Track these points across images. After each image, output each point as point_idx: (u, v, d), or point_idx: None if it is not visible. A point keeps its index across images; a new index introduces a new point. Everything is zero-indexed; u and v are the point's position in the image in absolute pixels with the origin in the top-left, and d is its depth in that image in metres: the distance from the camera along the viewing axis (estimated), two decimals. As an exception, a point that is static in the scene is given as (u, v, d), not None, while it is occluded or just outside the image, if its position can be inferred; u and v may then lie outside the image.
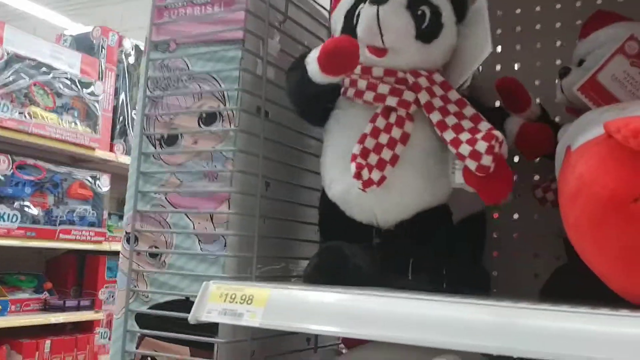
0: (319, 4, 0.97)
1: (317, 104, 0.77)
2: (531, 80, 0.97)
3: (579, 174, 0.57)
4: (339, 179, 0.74)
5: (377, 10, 0.71)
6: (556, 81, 0.84)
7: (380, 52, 0.73)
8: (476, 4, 0.79)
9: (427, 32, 0.74)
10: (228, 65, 0.80)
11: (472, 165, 0.65)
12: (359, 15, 0.74)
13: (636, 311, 0.47)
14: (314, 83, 0.72)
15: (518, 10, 1.00)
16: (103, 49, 2.56)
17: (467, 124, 0.69)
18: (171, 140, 0.83)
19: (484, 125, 0.68)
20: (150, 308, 0.81)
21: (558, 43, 0.96)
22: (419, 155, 0.72)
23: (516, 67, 0.99)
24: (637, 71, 0.76)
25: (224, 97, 0.80)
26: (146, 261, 0.81)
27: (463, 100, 0.72)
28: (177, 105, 0.83)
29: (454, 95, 0.72)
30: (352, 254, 0.71)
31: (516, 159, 0.97)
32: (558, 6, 0.97)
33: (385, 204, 0.73)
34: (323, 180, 0.78)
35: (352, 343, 0.81)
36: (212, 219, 0.78)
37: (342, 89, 0.76)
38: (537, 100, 0.93)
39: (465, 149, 0.66)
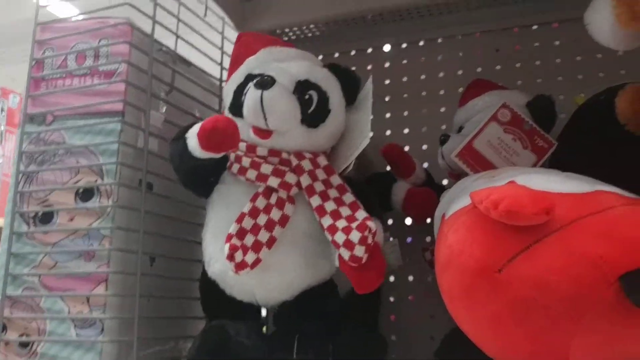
0: (209, 74, 0.96)
1: (199, 177, 0.76)
2: (419, 145, 0.99)
3: (449, 243, 0.58)
4: (217, 257, 0.72)
5: (261, 95, 0.70)
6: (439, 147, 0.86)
7: (264, 133, 0.73)
8: (362, 90, 0.81)
9: (313, 117, 0.74)
10: (107, 138, 0.77)
11: (345, 254, 0.65)
12: (246, 94, 0.74)
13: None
14: (195, 157, 0.70)
15: (405, 79, 1.03)
16: (3, 111, 2.46)
17: (345, 211, 0.69)
18: (46, 218, 0.78)
19: (361, 214, 0.68)
20: (23, 401, 0.74)
21: (443, 109, 1.00)
22: (300, 236, 0.71)
23: (405, 131, 1.02)
24: (511, 137, 0.79)
25: (101, 171, 0.77)
26: (16, 352, 0.75)
27: (344, 186, 0.72)
28: (53, 180, 0.79)
29: (335, 180, 0.73)
30: (236, 332, 0.69)
31: (408, 221, 0.98)
32: (441, 74, 1.01)
33: (264, 285, 0.71)
34: (203, 256, 0.76)
35: None
36: (88, 301, 0.74)
37: (229, 163, 0.74)
38: (426, 164, 0.95)
39: (340, 238, 0.65)
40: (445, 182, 0.94)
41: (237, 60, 0.82)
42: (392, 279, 0.97)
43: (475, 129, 0.79)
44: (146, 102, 0.80)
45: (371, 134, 0.72)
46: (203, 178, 0.76)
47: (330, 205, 0.69)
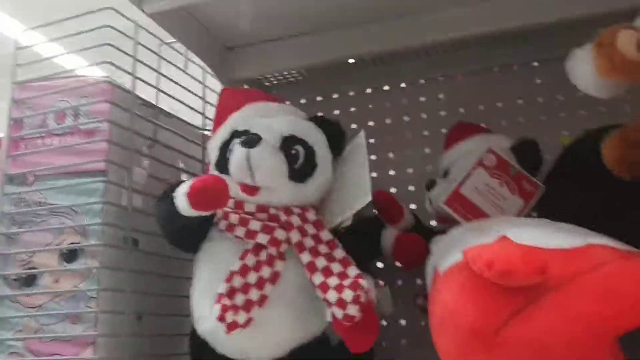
0: (191, 125, 0.96)
1: (187, 236, 0.75)
2: (405, 187, 0.99)
3: (443, 302, 0.58)
4: (207, 315, 0.71)
5: (248, 152, 0.70)
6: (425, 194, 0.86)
7: (252, 190, 0.73)
8: (353, 143, 0.80)
9: (300, 172, 0.74)
10: (90, 197, 0.76)
11: (338, 313, 0.64)
12: (232, 150, 0.74)
13: None
14: (182, 215, 0.69)
15: (388, 120, 1.03)
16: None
17: (336, 267, 0.68)
18: (30, 280, 0.76)
19: (352, 271, 0.68)
20: None
21: (427, 150, 1.00)
22: (290, 292, 0.70)
23: (391, 173, 1.02)
24: (497, 182, 0.79)
25: (85, 231, 0.76)
26: (1, 421, 0.73)
27: (334, 242, 0.71)
28: (36, 242, 0.77)
29: (325, 235, 0.72)
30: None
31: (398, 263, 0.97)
32: (424, 116, 1.01)
33: (255, 343, 0.69)
34: (192, 314, 0.75)
35: None
36: (76, 366, 0.72)
37: (215, 219, 0.73)
38: (413, 206, 0.95)
39: (332, 296, 0.65)
40: (433, 222, 0.94)
41: (221, 115, 0.82)
42: (384, 322, 0.96)
43: (461, 176, 0.79)
44: (128, 159, 0.79)
45: (369, 197, 0.72)
46: (191, 236, 0.75)
47: (320, 262, 0.68)
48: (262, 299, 0.67)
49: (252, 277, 0.68)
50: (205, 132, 0.97)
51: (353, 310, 0.63)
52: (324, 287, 0.66)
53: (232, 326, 0.65)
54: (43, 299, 0.75)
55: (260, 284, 0.68)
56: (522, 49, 0.97)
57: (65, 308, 0.74)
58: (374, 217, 0.90)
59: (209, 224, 0.74)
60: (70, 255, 0.76)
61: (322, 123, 0.79)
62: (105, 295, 0.74)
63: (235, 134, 0.75)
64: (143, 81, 0.84)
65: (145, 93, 0.86)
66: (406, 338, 0.95)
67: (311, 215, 0.73)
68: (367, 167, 0.74)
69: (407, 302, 0.93)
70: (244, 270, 0.68)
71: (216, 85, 1.00)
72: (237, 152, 0.71)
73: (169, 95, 0.89)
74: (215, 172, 0.75)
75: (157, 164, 0.86)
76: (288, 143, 0.73)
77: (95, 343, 0.72)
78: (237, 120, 0.78)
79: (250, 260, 0.69)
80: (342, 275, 0.67)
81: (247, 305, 0.66)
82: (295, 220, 0.72)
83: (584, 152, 0.75)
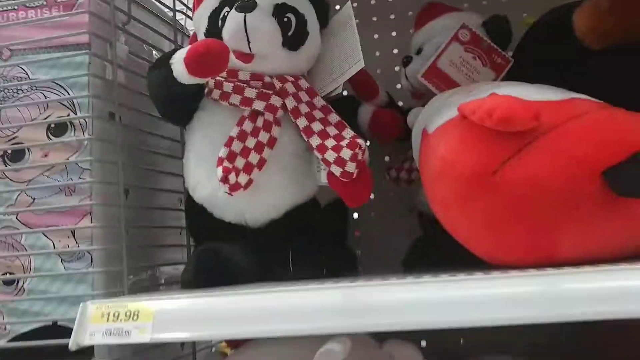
0: (162, 3, 0.94)
1: (181, 104, 0.76)
2: (373, 70, 1.02)
3: (440, 155, 0.62)
4: (204, 181, 0.74)
5: (245, 18, 0.70)
6: (399, 69, 0.90)
7: (247, 57, 0.73)
8: (340, 15, 0.81)
9: (293, 39, 0.75)
10: (75, 71, 0.75)
11: (336, 171, 0.68)
12: (224, 19, 0.74)
13: (489, 273, 0.53)
14: (178, 83, 0.70)
15: (355, 4, 1.05)
16: None
17: (332, 130, 0.72)
18: (17, 156, 0.76)
19: (348, 133, 0.72)
20: (10, 341, 0.74)
21: (394, 33, 1.03)
22: (286, 157, 0.74)
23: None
24: (471, 56, 0.84)
25: (73, 105, 0.75)
26: (0, 290, 0.74)
27: (328, 107, 0.75)
28: (20, 117, 0.76)
29: (319, 101, 0.75)
30: (230, 253, 0.71)
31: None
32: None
33: (253, 205, 0.73)
34: (187, 183, 0.77)
35: (236, 342, 0.81)
36: (74, 235, 0.74)
37: (207, 90, 0.75)
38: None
39: (330, 156, 0.68)
40: (400, 103, 0.99)
41: None
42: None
43: (437, 50, 0.83)
44: (111, 33, 0.78)
45: (362, 63, 0.74)
46: (185, 105, 0.76)
47: (317, 126, 0.72)
48: (261, 162, 0.71)
49: (250, 142, 0.71)
50: (177, 12, 0.96)
51: (351, 167, 0.68)
52: (322, 148, 0.70)
53: (234, 187, 0.68)
54: (33, 173, 0.75)
55: (258, 148, 0.71)
56: None
57: (61, 181, 0.74)
58: (350, 95, 0.93)
59: (200, 94, 0.75)
60: (58, 129, 0.75)
61: None
62: (98, 167, 0.75)
63: (225, 2, 0.75)
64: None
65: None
66: (376, 210, 1.02)
67: (304, 83, 0.75)
68: (356, 35, 0.76)
69: (375, 179, 0.99)
70: (242, 135, 0.71)
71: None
72: (233, 18, 0.71)
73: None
74: None
75: (134, 41, 0.85)
76: (280, 10, 0.74)
77: (91, 213, 0.74)
78: None
79: (248, 125, 0.72)
80: (339, 137, 0.70)
81: (248, 168, 0.70)
82: (290, 87, 0.74)
83: (554, 23, 0.80)
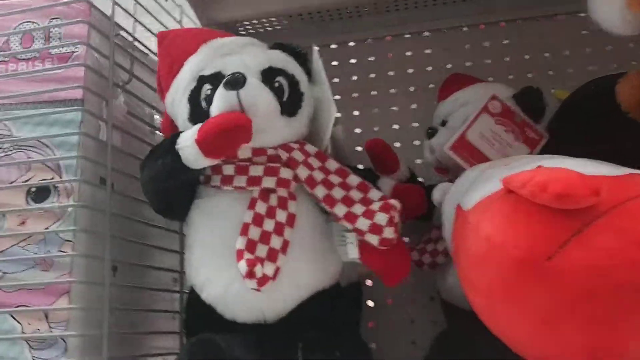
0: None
1: (185, 194, 0.67)
2: (390, 142, 0.95)
3: (485, 235, 0.53)
4: (214, 279, 0.64)
5: (238, 95, 0.61)
6: (423, 141, 0.83)
7: None
8: (313, 64, 0.73)
9: (290, 105, 0.66)
10: (64, 129, 0.67)
11: (373, 240, 0.59)
12: (207, 98, 0.65)
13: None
14: (187, 170, 0.61)
15: (372, 75, 0.99)
16: None
17: (356, 194, 0.63)
18: (-11, 222, 0.66)
19: (375, 194, 0.63)
20: None
21: (414, 106, 0.96)
22: (305, 235, 0.64)
23: (375, 129, 0.97)
24: (503, 129, 0.76)
25: (59, 167, 0.67)
26: (-44, 382, 0.63)
27: (343, 169, 0.66)
28: (-3, 179, 0.67)
29: (332, 164, 0.66)
30: (229, 347, 0.60)
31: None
32: (410, 71, 0.98)
33: (274, 298, 0.63)
34: (191, 281, 0.67)
35: None
36: (47, 317, 0.63)
37: (202, 178, 0.66)
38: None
39: (363, 224, 0.59)
40: (420, 179, 0.91)
41: (172, 64, 0.70)
42: (369, 282, 0.92)
43: (466, 121, 0.76)
44: (108, 90, 0.70)
45: (335, 109, 0.65)
46: (185, 195, 0.67)
47: (338, 193, 0.63)
48: (285, 245, 0.61)
49: (268, 225, 0.61)
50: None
51: (390, 233, 0.58)
52: (350, 216, 0.60)
53: (262, 281, 0.58)
54: (7, 243, 0.65)
55: (278, 229, 0.61)
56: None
57: (34, 253, 0.65)
58: (367, 168, 0.85)
59: (196, 182, 0.67)
60: (39, 194, 0.66)
61: (288, 49, 0.71)
62: (82, 239, 0.65)
63: (203, 80, 0.66)
64: (122, 8, 0.75)
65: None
66: (393, 297, 0.91)
67: (310, 148, 0.67)
68: (326, 83, 0.67)
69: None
70: (257, 219, 0.62)
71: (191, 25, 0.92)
72: (223, 97, 0.62)
73: (146, 28, 0.80)
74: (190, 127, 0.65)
75: (133, 102, 0.77)
76: (268, 76, 0.66)
77: (70, 292, 0.63)
78: (198, 64, 0.67)
79: (261, 207, 0.62)
80: (366, 201, 0.61)
81: (272, 255, 0.60)
82: (298, 155, 0.65)
83: (595, 96, 0.73)
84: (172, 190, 0.65)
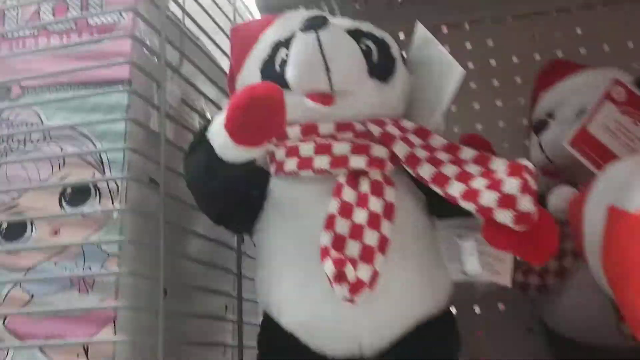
0: (218, 45, 0.73)
1: (241, 194, 0.54)
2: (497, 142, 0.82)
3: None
4: (297, 297, 0.50)
5: (318, 37, 0.49)
6: (531, 139, 0.70)
7: (327, 98, 0.51)
8: (416, 38, 0.61)
9: (380, 67, 0.53)
10: (108, 115, 0.53)
11: (506, 217, 0.43)
12: (283, 63, 0.53)
13: None
14: (225, 165, 0.49)
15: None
16: None
17: (472, 168, 0.48)
18: (15, 231, 0.53)
19: (499, 163, 0.48)
20: None
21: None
22: (408, 236, 0.50)
23: (478, 127, 0.85)
24: (630, 120, 0.63)
25: (101, 162, 0.53)
26: None
27: (453, 144, 0.51)
28: (24, 177, 0.54)
29: (438, 140, 0.52)
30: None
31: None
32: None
33: (377, 319, 0.49)
34: (266, 304, 0.53)
35: None
36: (86, 353, 0.49)
37: (274, 168, 0.53)
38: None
39: (489, 198, 0.44)
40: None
41: (242, 50, 0.59)
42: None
43: (587, 112, 0.63)
44: (160, 71, 0.57)
45: (460, 70, 0.52)
46: (242, 197, 0.54)
47: (449, 169, 0.48)
48: (383, 243, 0.47)
49: (359, 216, 0.47)
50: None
51: (527, 203, 0.43)
52: (471, 194, 0.45)
53: (356, 287, 0.43)
54: (36, 258, 0.52)
55: (374, 222, 0.47)
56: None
57: (69, 271, 0.51)
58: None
59: (265, 178, 0.54)
60: (76, 196, 0.53)
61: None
62: (131, 253, 0.51)
63: (279, 45, 0.54)
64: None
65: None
66: (482, 327, 0.77)
67: (408, 123, 0.53)
68: (443, 48, 0.55)
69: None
70: (345, 209, 0.48)
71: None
72: (301, 41, 0.50)
73: (199, 4, 0.68)
74: None
75: (187, 88, 0.64)
76: (355, 36, 0.53)
77: (116, 319, 0.49)
78: (275, 33, 0.56)
79: (349, 194, 0.49)
80: (487, 173, 0.47)
81: (367, 254, 0.45)
82: (393, 130, 0.51)
83: None
84: (219, 192, 0.53)
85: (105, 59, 0.55)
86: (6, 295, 0.51)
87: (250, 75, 0.56)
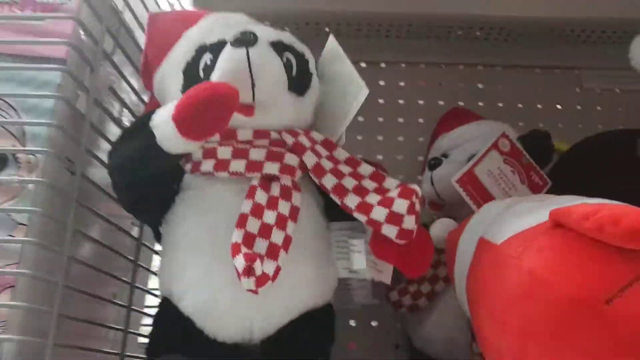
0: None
1: (163, 187, 0.57)
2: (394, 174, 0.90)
3: (528, 269, 0.48)
4: (200, 283, 0.54)
5: (248, 54, 0.54)
6: (424, 174, 0.78)
7: (248, 109, 0.55)
8: (326, 52, 0.65)
9: (298, 81, 0.58)
10: (39, 90, 0.56)
11: (391, 232, 0.51)
12: (207, 68, 0.56)
13: None
14: (163, 155, 0.52)
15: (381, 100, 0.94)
16: None
17: (369, 184, 0.55)
18: None
19: (391, 182, 0.56)
20: None
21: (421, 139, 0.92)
22: (308, 235, 0.56)
23: (379, 158, 0.93)
24: (510, 169, 0.73)
25: (23, 134, 0.55)
26: None
27: (353, 158, 0.58)
28: (-59, 138, 0.55)
29: (341, 154, 0.58)
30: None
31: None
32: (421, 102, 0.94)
33: (269, 307, 0.53)
34: (168, 289, 0.56)
35: None
36: (-19, 315, 0.50)
37: (190, 165, 0.57)
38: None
39: (379, 213, 0.51)
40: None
41: (164, 40, 0.62)
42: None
43: (475, 156, 0.72)
44: (96, 56, 0.60)
45: (364, 87, 0.57)
46: (164, 188, 0.57)
47: (348, 182, 0.55)
48: (287, 242, 0.52)
49: (269, 217, 0.52)
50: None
51: (410, 222, 0.51)
52: (364, 207, 0.53)
53: (261, 280, 0.48)
54: (-58, 218, 0.53)
55: (280, 223, 0.52)
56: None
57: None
58: (375, 163, 0.78)
59: (179, 173, 0.58)
60: (-6, 164, 0.54)
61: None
62: (38, 224, 0.53)
63: (203, 49, 0.57)
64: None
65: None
66: (355, 339, 0.84)
67: (317, 135, 0.59)
68: (351, 65, 0.60)
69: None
70: (257, 210, 0.53)
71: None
72: (230, 55, 0.54)
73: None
74: None
75: (116, 78, 0.67)
76: (277, 49, 0.57)
77: (17, 286, 0.51)
78: (198, 33, 0.59)
79: (261, 196, 0.54)
80: (381, 190, 0.54)
81: (272, 251, 0.51)
82: (304, 140, 0.57)
83: (611, 147, 0.71)
84: (147, 181, 0.56)
85: (45, 36, 0.57)
86: None
87: (171, 74, 0.59)
